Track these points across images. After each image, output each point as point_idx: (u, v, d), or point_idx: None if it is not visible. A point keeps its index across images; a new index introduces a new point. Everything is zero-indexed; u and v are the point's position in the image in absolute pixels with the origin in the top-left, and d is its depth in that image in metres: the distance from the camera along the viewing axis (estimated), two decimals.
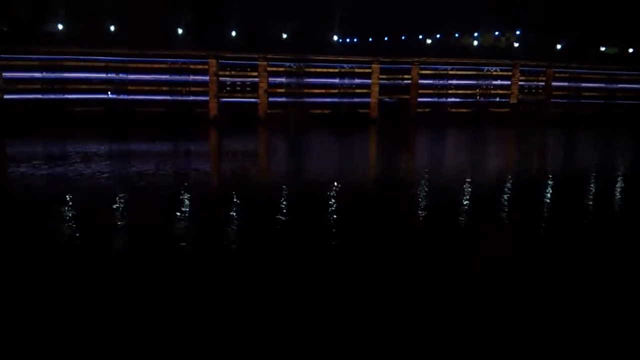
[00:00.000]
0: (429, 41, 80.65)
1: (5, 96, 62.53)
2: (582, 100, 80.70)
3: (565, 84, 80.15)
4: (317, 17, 77.44)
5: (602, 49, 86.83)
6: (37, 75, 64.17)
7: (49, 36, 68.06)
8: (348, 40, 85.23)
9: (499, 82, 77.25)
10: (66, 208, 26.24)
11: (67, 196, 28.50)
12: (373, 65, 73.20)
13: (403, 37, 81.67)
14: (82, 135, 56.10)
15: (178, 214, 25.23)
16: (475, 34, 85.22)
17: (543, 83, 78.83)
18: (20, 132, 55.80)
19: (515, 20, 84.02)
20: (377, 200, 29.46)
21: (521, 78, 77.61)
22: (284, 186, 32.16)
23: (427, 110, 75.37)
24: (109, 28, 71.00)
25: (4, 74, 62.76)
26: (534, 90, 79.06)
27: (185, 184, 33.18)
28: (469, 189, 32.64)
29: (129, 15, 74.24)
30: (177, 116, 66.17)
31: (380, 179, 37.91)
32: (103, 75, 66.10)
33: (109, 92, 66.80)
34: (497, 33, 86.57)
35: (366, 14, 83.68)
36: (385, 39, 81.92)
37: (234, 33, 72.53)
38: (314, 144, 57.42)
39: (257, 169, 42.36)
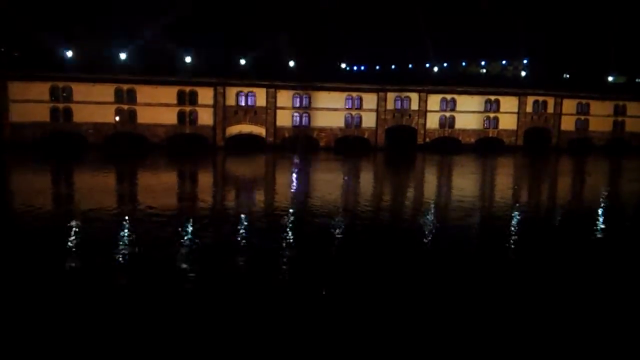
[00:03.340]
0: (435, 69, 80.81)
1: (13, 119, 62.84)
2: (591, 130, 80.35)
3: (574, 113, 79.88)
4: (325, 45, 77.96)
5: (610, 78, 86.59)
6: (46, 99, 64.51)
7: (59, 61, 68.51)
8: (355, 68, 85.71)
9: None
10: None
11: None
12: (380, 94, 73.38)
13: (410, 66, 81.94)
14: (89, 161, 56.31)
15: None
16: (483, 63, 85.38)
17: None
18: (28, 157, 55.76)
19: (523, 49, 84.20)
20: None
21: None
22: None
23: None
24: (118, 54, 71.55)
25: (12, 97, 63.17)
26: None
27: None
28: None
29: (139, 42, 74.96)
30: (184, 141, 66.37)
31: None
32: (111, 100, 66.35)
33: (117, 117, 67.02)
34: (504, 62, 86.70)
35: (374, 43, 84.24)
36: (393, 67, 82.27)
37: (242, 61, 72.89)
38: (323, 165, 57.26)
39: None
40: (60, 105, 64.73)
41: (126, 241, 23.63)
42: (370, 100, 73.57)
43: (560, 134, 79.46)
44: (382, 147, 72.88)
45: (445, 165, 62.92)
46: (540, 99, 78.37)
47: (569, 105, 79.65)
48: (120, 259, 20.56)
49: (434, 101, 75.27)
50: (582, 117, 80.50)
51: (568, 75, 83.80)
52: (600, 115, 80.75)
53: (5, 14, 70.29)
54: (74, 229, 25.50)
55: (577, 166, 65.63)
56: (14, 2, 71.13)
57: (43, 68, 64.20)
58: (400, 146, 72.20)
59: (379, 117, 73.84)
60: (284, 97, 70.94)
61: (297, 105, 71.60)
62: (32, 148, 60.23)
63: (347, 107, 73.23)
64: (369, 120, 73.88)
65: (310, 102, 72.00)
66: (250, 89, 69.62)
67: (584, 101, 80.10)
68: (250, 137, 69.91)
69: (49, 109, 64.40)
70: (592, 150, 77.57)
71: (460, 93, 75.75)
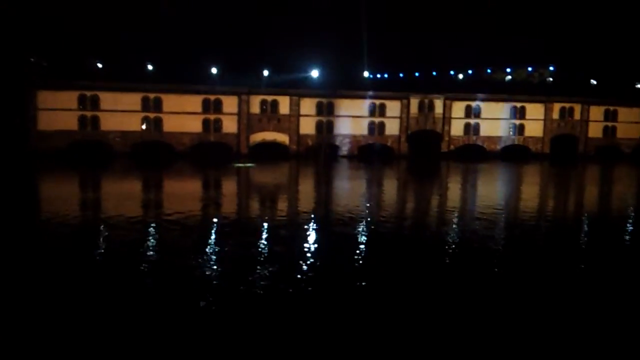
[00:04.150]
0: (460, 76, 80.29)
1: (41, 128, 64.06)
2: (619, 137, 79.13)
3: (602, 120, 78.75)
4: (347, 53, 78.01)
5: (638, 85, 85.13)
6: (74, 107, 65.67)
7: (87, 71, 69.81)
8: (379, 75, 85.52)
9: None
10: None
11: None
12: (403, 101, 73.17)
13: (434, 73, 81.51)
14: (116, 169, 57.17)
15: None
16: (508, 69, 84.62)
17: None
18: (55, 165, 56.76)
19: (549, 56, 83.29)
20: None
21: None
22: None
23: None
24: (145, 63, 72.55)
25: (41, 106, 64.44)
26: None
27: None
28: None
29: (166, 52, 76.00)
30: (209, 150, 67.05)
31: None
32: (138, 109, 67.25)
33: (143, 126, 67.94)
34: (530, 69, 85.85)
35: (397, 49, 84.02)
36: (416, 74, 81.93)
37: (266, 71, 73.26)
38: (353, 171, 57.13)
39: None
40: (88, 114, 65.93)
41: (150, 247, 23.87)
42: (393, 107, 73.58)
43: (587, 141, 78.39)
44: (406, 155, 72.63)
45: (470, 173, 62.28)
46: (567, 105, 77.53)
47: (596, 112, 78.65)
48: (143, 265, 20.69)
49: (458, 108, 74.98)
50: (610, 124, 79.34)
51: (595, 82, 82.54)
52: (629, 122, 79.52)
53: (35, 24, 71.84)
54: (99, 234, 25.89)
55: (605, 175, 64.44)
56: (43, 13, 72.68)
57: (72, 77, 65.53)
58: (424, 153, 71.84)
59: (402, 124, 73.66)
60: (307, 105, 71.26)
61: (321, 113, 71.85)
62: (59, 156, 61.33)
63: (369, 114, 73.28)
64: (392, 128, 73.78)
65: (333, 110, 72.19)
66: (274, 97, 70.09)
67: (611, 108, 78.99)
68: (274, 144, 70.32)
69: (76, 117, 65.66)
70: (621, 158, 76.36)
71: (485, 100, 75.26)
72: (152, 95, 67.19)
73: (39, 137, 63.82)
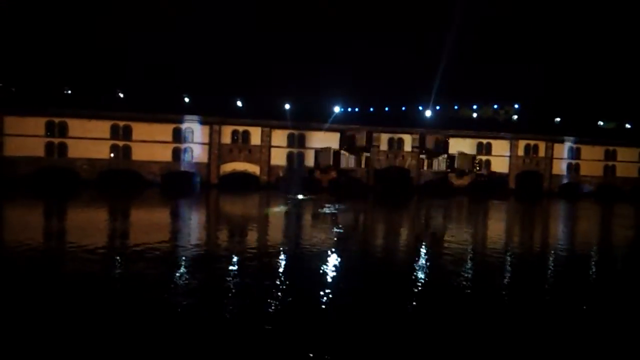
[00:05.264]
0: (428, 112, 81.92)
1: (6, 153, 62.96)
2: (582, 174, 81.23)
3: (565, 157, 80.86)
4: (318, 87, 79.17)
5: (600, 123, 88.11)
6: (41, 134, 64.78)
7: (56, 98, 69.19)
8: (349, 109, 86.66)
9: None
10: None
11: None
12: (375, 135, 74.18)
13: (403, 108, 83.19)
14: (82, 197, 56.17)
15: None
16: (474, 106, 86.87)
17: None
18: (19, 191, 55.58)
19: (515, 94, 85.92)
20: None
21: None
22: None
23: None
24: (116, 92, 72.34)
25: (7, 131, 63.46)
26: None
27: None
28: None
29: (137, 80, 76.06)
30: (177, 180, 66.60)
31: None
32: (107, 136, 66.69)
33: (112, 154, 67.26)
34: (495, 106, 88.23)
35: (367, 84, 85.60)
36: (386, 109, 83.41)
37: (239, 102, 73.75)
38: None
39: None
40: (56, 140, 65.05)
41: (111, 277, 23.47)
42: (363, 140, 74.33)
43: (551, 178, 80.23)
44: (376, 189, 73.21)
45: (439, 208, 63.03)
46: (532, 142, 79.43)
47: (560, 150, 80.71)
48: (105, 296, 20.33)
49: (426, 143, 76.19)
50: (574, 162, 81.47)
51: (559, 119, 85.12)
52: (592, 160, 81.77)
53: (4, 50, 71.32)
54: (60, 264, 25.39)
55: (569, 212, 65.88)
56: (13, 38, 72.28)
57: (40, 103, 64.82)
58: (394, 188, 72.47)
59: (372, 158, 74.49)
60: (279, 136, 71.65)
61: (292, 144, 72.31)
62: (24, 182, 60.14)
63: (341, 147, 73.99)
64: (363, 161, 74.48)
65: (304, 142, 72.69)
66: (246, 127, 70.34)
67: (574, 145, 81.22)
68: (245, 175, 70.22)
69: (43, 143, 64.71)
70: (583, 195, 78.21)
71: (452, 136, 76.82)
72: (121, 123, 66.78)
73: (5, 163, 62.61)
